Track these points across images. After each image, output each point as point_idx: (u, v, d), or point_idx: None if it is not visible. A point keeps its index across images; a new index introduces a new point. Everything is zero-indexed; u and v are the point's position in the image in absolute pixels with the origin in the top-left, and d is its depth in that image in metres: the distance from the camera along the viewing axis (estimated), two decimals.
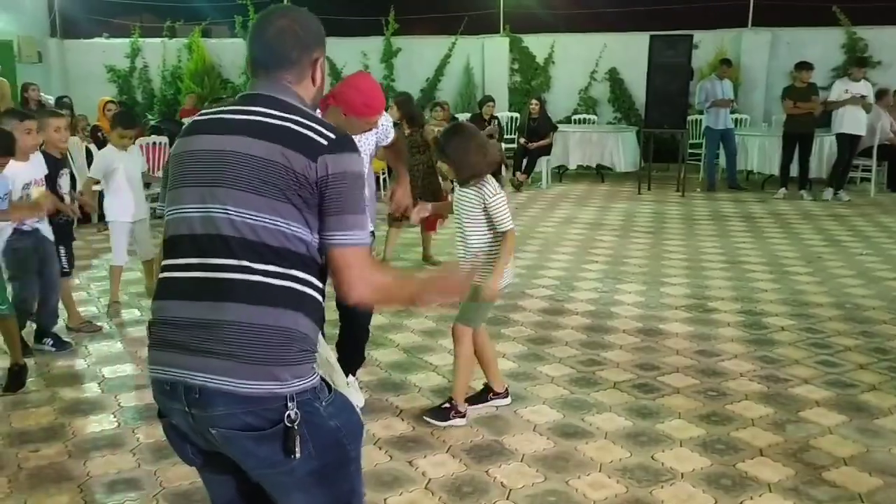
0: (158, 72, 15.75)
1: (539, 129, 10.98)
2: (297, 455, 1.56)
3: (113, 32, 16.54)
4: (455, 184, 3.54)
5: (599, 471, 3.22)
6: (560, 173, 11.88)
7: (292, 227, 1.58)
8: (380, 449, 3.40)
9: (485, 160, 3.36)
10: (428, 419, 3.58)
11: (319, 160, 1.58)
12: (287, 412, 1.55)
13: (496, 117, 11.28)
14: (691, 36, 10.73)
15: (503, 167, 10.17)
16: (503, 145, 11.30)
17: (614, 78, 13.72)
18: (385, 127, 3.79)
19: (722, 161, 11.08)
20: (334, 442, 1.65)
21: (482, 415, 3.72)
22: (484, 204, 3.36)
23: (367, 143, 3.62)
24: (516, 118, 13.12)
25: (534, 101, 10.97)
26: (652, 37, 10.70)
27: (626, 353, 4.57)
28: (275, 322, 1.56)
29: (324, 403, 1.64)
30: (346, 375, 3.83)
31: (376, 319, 4.67)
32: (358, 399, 3.89)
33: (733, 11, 13.24)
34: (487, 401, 3.77)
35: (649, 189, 10.78)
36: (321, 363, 1.93)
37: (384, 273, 1.76)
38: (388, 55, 14.63)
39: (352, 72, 13.36)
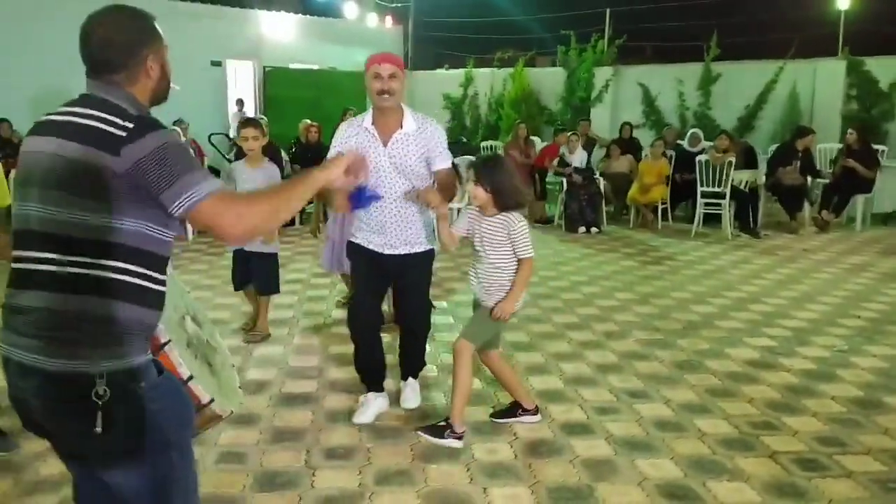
0: (485, 99, 16.92)
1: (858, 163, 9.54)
2: (98, 429, 1.64)
3: (453, 63, 18.22)
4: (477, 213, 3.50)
5: None
6: (886, 215, 10.18)
7: (101, 219, 1.65)
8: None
9: (526, 191, 3.45)
10: (421, 434, 3.52)
11: (123, 152, 1.64)
12: (94, 388, 1.63)
13: (809, 150, 10.07)
14: None
15: (807, 203, 9.14)
16: (818, 181, 10.11)
17: None
18: (432, 134, 3.54)
19: None
20: (150, 424, 1.71)
21: (592, 457, 3.44)
22: (508, 230, 3.39)
23: (408, 151, 3.50)
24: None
25: (850, 130, 9.57)
26: None
27: (815, 421, 3.84)
28: (82, 307, 1.66)
29: (142, 385, 1.71)
30: (406, 378, 3.98)
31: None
32: (413, 399, 3.95)
33: None
34: (515, 416, 3.76)
35: None
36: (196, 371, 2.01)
37: (250, 200, 1.78)
38: (707, 82, 13.90)
39: (667, 100, 13.01)
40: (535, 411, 3.79)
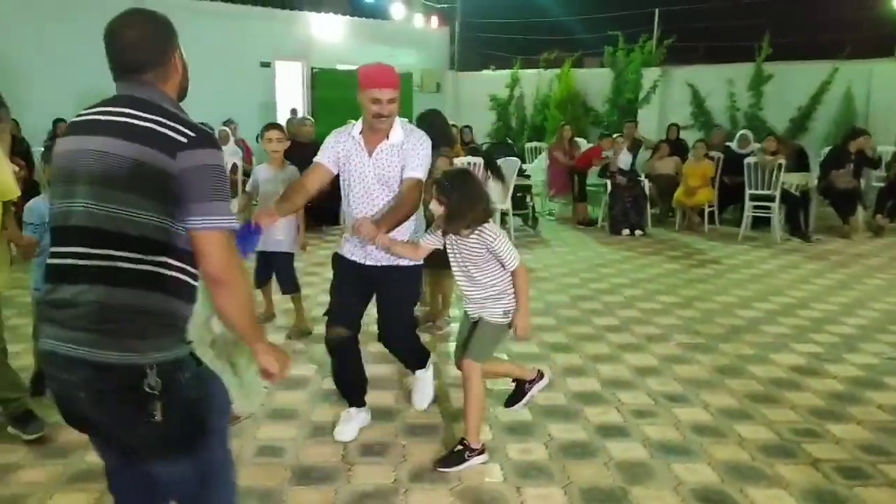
0: (532, 100, 16.86)
1: None
2: (157, 417, 1.72)
3: (499, 64, 18.18)
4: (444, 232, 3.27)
5: None
6: None
7: (153, 218, 1.73)
8: None
9: (482, 210, 3.14)
10: (442, 469, 3.29)
11: (179, 156, 1.72)
12: (146, 379, 1.71)
13: (863, 152, 9.81)
14: None
15: (860, 207, 8.89)
16: (873, 184, 9.85)
17: None
18: (413, 145, 3.36)
19: None
20: (192, 412, 1.81)
21: (627, 459, 3.42)
22: (487, 247, 3.17)
23: (392, 162, 3.35)
24: None
25: None
26: None
27: (861, 430, 3.75)
28: (131, 300, 1.73)
29: (186, 375, 1.79)
30: (414, 372, 3.99)
31: None
32: (425, 396, 3.96)
33: None
34: (526, 393, 3.62)
35: None
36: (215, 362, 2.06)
37: (244, 275, 1.84)
38: (758, 82, 13.64)
39: (717, 100, 12.91)
40: (541, 376, 3.65)
